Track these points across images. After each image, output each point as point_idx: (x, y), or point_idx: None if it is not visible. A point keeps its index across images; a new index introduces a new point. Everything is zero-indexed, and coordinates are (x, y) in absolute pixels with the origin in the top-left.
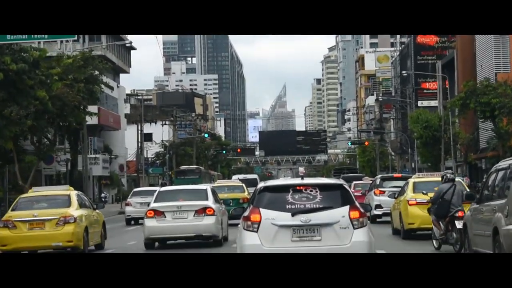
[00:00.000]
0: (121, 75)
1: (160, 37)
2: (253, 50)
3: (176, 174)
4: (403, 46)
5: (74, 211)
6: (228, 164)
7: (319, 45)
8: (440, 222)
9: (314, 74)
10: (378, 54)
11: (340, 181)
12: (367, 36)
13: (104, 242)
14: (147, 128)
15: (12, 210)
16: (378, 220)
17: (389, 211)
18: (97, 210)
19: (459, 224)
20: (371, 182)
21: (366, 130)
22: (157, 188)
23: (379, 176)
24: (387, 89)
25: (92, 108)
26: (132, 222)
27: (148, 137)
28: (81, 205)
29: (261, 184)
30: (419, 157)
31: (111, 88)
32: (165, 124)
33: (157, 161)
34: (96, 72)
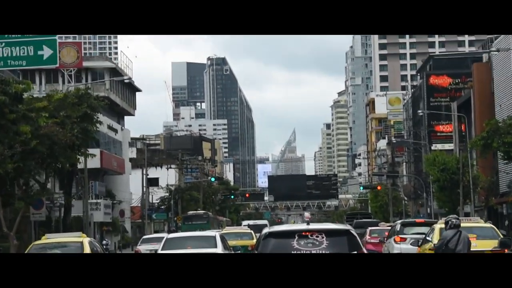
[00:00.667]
0: (128, 119)
1: (169, 82)
2: (261, 95)
3: (184, 220)
4: (415, 88)
5: None
6: (237, 209)
7: (328, 90)
8: None
9: (323, 119)
10: (389, 96)
11: (347, 227)
12: (377, 80)
13: None
14: (153, 172)
15: None
16: None
17: None
18: None
19: None
20: (389, 227)
21: (379, 174)
22: (165, 235)
23: (400, 221)
24: (399, 132)
25: (94, 151)
26: None
27: (154, 181)
28: (94, 252)
29: (265, 230)
30: (435, 201)
31: (115, 131)
32: (170, 167)
33: (162, 206)
34: (91, 112)
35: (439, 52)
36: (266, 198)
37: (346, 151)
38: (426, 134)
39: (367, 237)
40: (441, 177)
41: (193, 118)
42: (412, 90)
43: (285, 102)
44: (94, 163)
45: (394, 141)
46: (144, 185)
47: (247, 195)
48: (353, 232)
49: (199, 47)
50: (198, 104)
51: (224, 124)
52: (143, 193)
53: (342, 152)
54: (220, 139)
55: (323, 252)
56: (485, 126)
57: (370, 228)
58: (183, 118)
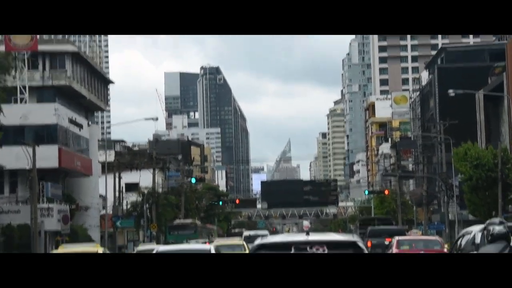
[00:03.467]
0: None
1: (162, 92)
2: (255, 107)
3: (169, 230)
4: (423, 85)
5: None
6: (227, 217)
7: (323, 100)
8: None
9: (319, 129)
10: (394, 95)
11: (353, 238)
12: (377, 83)
13: None
14: (133, 177)
15: None
16: None
17: None
18: None
19: None
20: (424, 237)
21: (392, 174)
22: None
23: (480, 227)
24: (405, 133)
25: (51, 147)
26: None
27: (133, 187)
28: None
29: (257, 241)
30: (467, 205)
31: (79, 126)
32: (143, 168)
33: (134, 213)
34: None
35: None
36: (259, 205)
37: (342, 159)
38: (440, 131)
39: (394, 250)
40: (475, 175)
41: (185, 127)
42: (422, 86)
43: (279, 113)
44: (50, 161)
45: (412, 134)
46: (115, 189)
47: (237, 201)
48: (361, 244)
49: (191, 60)
50: (192, 113)
51: (218, 133)
52: (114, 198)
53: (339, 161)
54: (213, 148)
55: None
56: None
57: (398, 238)
58: (175, 127)
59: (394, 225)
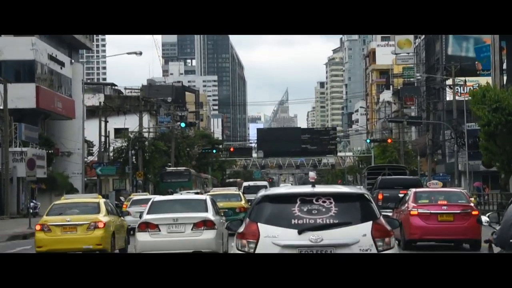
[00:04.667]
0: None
1: (159, 38)
2: (253, 55)
3: (161, 177)
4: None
5: (103, 217)
6: (221, 166)
7: (322, 48)
8: None
9: (317, 78)
10: (398, 38)
11: (360, 190)
12: None
13: (127, 247)
14: (122, 122)
15: (47, 215)
16: None
17: None
18: (121, 218)
19: None
20: (447, 189)
21: (398, 120)
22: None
23: None
24: (408, 79)
25: (27, 85)
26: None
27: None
28: (109, 212)
29: (261, 192)
30: (482, 154)
31: (61, 64)
32: (129, 110)
33: (120, 159)
34: None
35: None
36: (254, 154)
37: (341, 109)
38: (452, 72)
39: (411, 205)
40: (494, 119)
41: (182, 74)
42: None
43: (277, 62)
44: (27, 101)
45: (421, 77)
46: (101, 134)
47: (231, 149)
48: (368, 196)
49: None
50: (189, 61)
51: (215, 81)
52: (100, 144)
53: (337, 111)
54: (209, 96)
55: (331, 221)
56: None
57: (414, 190)
58: (171, 74)
59: (408, 175)
